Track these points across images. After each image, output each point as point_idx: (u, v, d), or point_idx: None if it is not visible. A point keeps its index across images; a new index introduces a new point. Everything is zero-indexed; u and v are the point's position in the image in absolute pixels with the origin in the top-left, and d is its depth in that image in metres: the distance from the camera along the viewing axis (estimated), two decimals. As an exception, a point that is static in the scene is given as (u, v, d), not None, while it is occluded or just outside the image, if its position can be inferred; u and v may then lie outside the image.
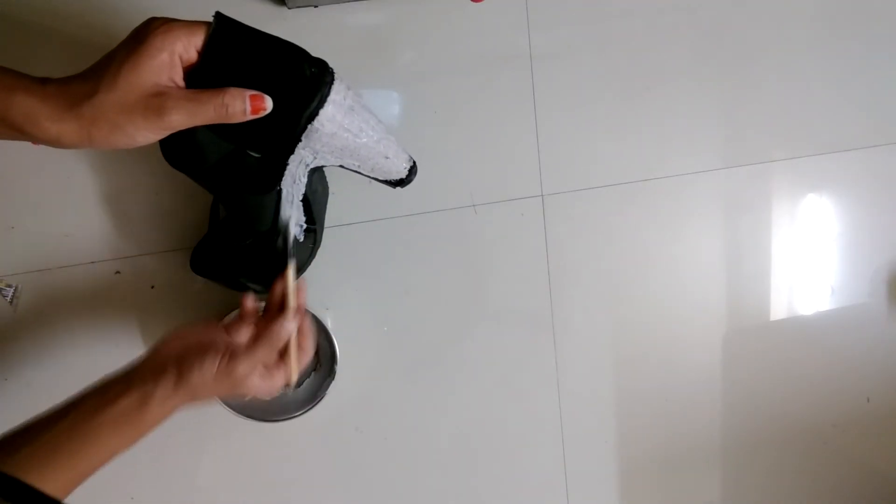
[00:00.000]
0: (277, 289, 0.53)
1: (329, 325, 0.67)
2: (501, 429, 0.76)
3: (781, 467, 0.84)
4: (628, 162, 0.74)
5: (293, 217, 0.56)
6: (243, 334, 0.53)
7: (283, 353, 0.53)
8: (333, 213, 0.69)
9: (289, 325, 0.51)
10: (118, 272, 0.67)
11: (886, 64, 0.77)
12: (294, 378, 0.53)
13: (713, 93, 0.74)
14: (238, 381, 0.48)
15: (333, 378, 0.67)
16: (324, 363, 0.69)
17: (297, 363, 0.53)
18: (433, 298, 0.72)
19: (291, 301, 0.52)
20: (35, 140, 0.41)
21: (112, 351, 0.67)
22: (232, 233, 0.59)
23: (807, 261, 0.80)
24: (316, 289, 0.70)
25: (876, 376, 0.83)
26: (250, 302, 0.55)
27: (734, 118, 0.75)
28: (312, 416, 0.72)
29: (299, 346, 0.54)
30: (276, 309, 0.53)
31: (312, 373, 0.69)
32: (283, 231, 0.56)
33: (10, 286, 0.65)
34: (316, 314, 0.70)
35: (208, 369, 0.47)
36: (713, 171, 0.75)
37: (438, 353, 0.73)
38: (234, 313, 0.65)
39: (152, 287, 0.67)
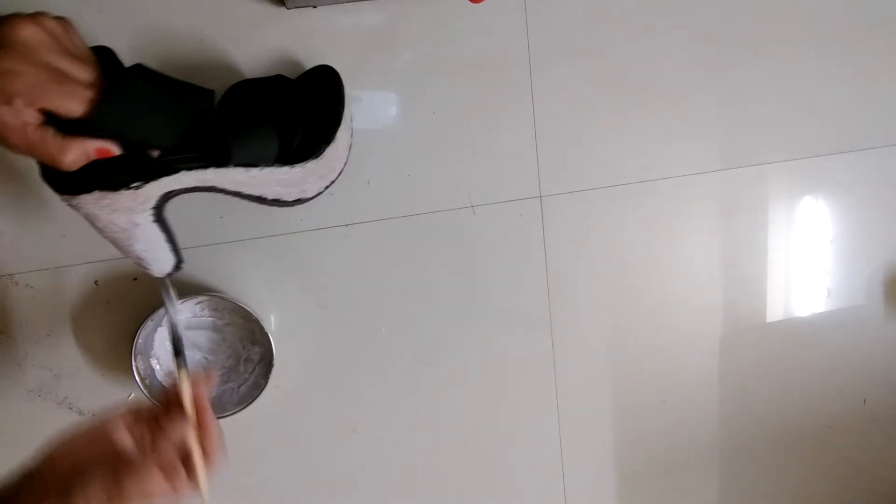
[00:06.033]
0: (171, 393, 0.49)
1: (328, 325, 0.66)
2: (499, 430, 0.76)
3: (779, 469, 0.84)
4: (626, 163, 0.74)
5: (180, 325, 0.56)
6: (145, 430, 0.46)
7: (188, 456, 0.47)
8: (332, 214, 0.69)
9: (180, 430, 0.46)
10: (117, 272, 0.67)
11: (885, 65, 0.77)
12: (205, 490, 0.47)
13: (711, 94, 0.74)
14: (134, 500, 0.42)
15: (265, 385, 0.65)
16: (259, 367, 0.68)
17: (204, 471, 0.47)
18: (431, 299, 0.72)
19: (188, 407, 0.48)
20: None
21: (110, 352, 0.67)
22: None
23: (803, 263, 0.80)
24: (314, 288, 0.70)
25: (873, 378, 0.84)
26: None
27: (732, 120, 0.75)
28: (312, 417, 0.72)
29: (204, 451, 0.47)
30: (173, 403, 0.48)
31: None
32: (174, 337, 0.55)
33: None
34: (313, 313, 0.70)
35: (93, 495, 0.40)
36: (711, 172, 0.75)
37: (437, 354, 0.73)
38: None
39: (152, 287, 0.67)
